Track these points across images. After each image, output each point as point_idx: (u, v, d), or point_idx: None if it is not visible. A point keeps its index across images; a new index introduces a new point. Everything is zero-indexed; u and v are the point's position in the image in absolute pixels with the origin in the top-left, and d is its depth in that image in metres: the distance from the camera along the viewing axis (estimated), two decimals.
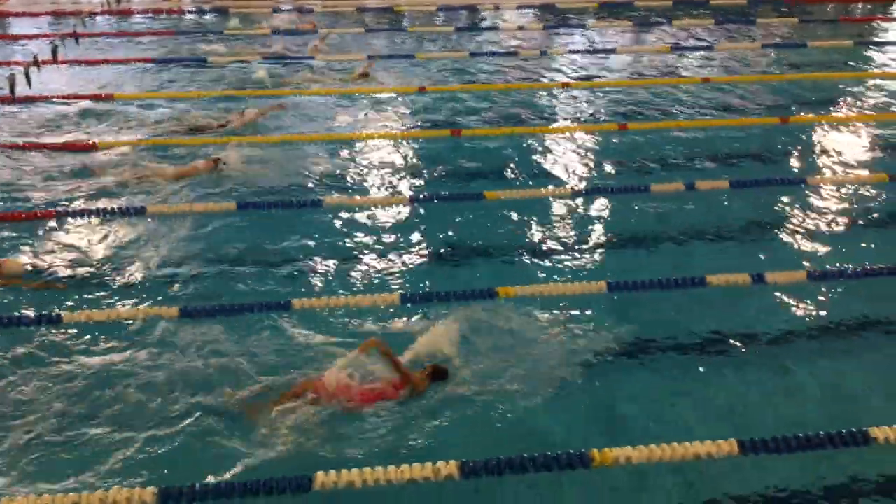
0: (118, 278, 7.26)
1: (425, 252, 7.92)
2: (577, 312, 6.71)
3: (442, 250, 7.97)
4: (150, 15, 19.14)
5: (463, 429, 5.37)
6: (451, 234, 8.28)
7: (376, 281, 7.34)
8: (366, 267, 7.61)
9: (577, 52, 15.60)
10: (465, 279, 7.32)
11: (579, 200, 9.06)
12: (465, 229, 8.36)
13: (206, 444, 5.23)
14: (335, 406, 5.46)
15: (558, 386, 5.77)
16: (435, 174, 9.89)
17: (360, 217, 8.58)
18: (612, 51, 15.58)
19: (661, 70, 14.56)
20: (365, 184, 9.50)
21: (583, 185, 9.58)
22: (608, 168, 10.17)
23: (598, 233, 8.44)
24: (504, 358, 6.00)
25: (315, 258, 7.73)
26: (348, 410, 5.46)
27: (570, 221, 8.64)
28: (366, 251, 7.90)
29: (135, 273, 7.35)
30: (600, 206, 9.01)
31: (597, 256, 7.95)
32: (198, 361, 5.99)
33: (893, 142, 11.19)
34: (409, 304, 6.68)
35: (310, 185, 9.34)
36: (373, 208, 8.78)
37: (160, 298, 6.88)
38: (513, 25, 17.91)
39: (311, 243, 7.99)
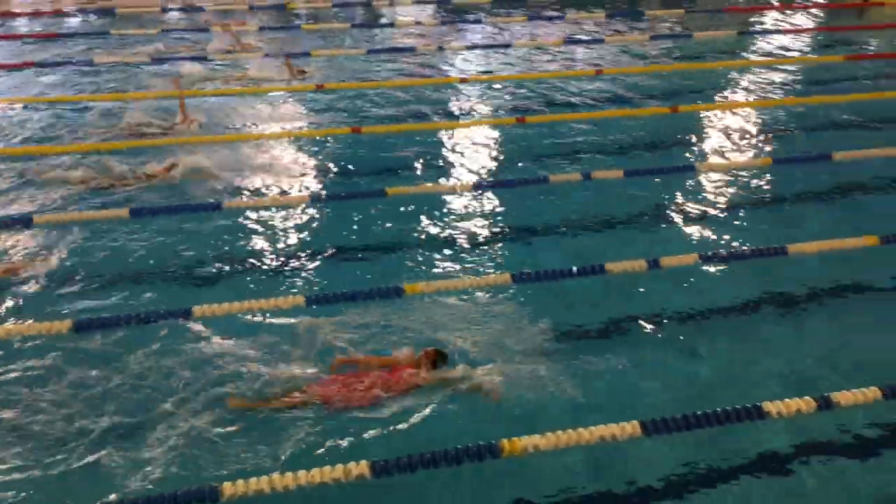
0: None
1: (329, 252, 7.84)
2: (483, 305, 6.79)
3: (346, 249, 7.92)
4: (30, 17, 18.32)
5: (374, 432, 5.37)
6: (354, 232, 8.24)
7: (279, 283, 7.24)
8: (268, 269, 7.49)
9: (474, 46, 15.73)
10: (371, 277, 7.29)
11: (481, 194, 9.16)
12: (368, 227, 8.34)
13: (113, 461, 5.06)
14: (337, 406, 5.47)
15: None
16: (336, 172, 9.81)
17: (261, 218, 8.43)
18: (508, 45, 15.78)
19: (556, 63, 14.84)
20: (265, 184, 9.32)
21: (484, 178, 9.70)
22: (508, 161, 10.31)
23: (501, 225, 8.54)
24: None
25: (215, 263, 7.56)
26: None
27: (472, 215, 8.71)
28: (267, 253, 7.77)
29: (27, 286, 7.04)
30: (502, 198, 9.12)
31: (501, 249, 8.06)
32: (96, 376, 5.79)
33: (776, 127, 11.75)
34: (314, 306, 6.61)
35: (209, 187, 9.12)
36: (274, 209, 8.64)
37: (52, 312, 6.62)
38: (409, 21, 17.93)
39: (211, 248, 7.81)
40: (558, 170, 9.73)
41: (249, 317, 6.49)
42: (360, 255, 7.81)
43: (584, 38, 16.73)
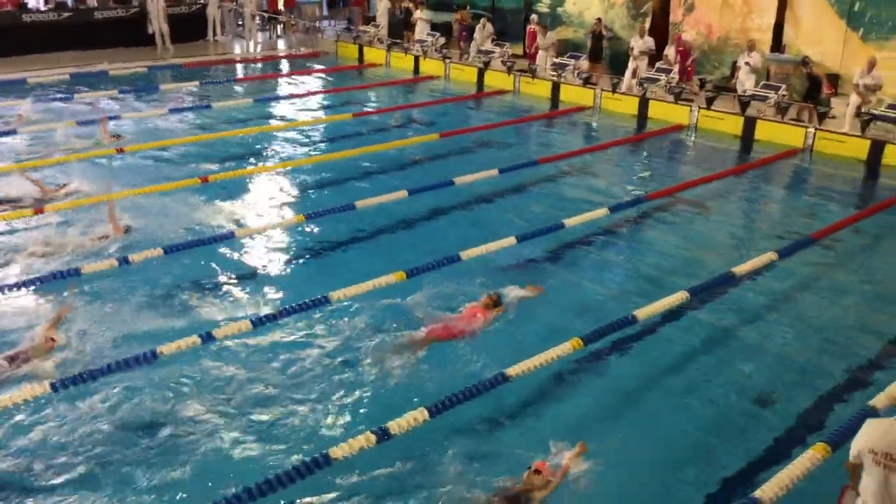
0: None
1: None
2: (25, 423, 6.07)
3: None
4: None
5: None
6: None
7: None
8: None
9: None
10: None
11: (20, 297, 8.23)
12: None
13: None
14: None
15: None
16: None
17: None
18: (13, 132, 14.33)
19: (70, 146, 13.82)
20: None
21: (18, 279, 8.59)
22: (20, 263, 9.24)
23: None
24: None
25: None
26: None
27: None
28: None
29: None
30: (27, 300, 8.25)
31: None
32: None
33: (304, 184, 12.51)
34: None
35: None
36: None
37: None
38: None
39: None
40: (90, 259, 9.10)
41: None
42: None
43: (98, 116, 15.84)
